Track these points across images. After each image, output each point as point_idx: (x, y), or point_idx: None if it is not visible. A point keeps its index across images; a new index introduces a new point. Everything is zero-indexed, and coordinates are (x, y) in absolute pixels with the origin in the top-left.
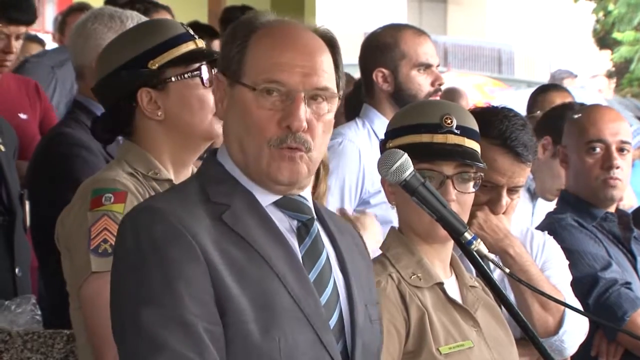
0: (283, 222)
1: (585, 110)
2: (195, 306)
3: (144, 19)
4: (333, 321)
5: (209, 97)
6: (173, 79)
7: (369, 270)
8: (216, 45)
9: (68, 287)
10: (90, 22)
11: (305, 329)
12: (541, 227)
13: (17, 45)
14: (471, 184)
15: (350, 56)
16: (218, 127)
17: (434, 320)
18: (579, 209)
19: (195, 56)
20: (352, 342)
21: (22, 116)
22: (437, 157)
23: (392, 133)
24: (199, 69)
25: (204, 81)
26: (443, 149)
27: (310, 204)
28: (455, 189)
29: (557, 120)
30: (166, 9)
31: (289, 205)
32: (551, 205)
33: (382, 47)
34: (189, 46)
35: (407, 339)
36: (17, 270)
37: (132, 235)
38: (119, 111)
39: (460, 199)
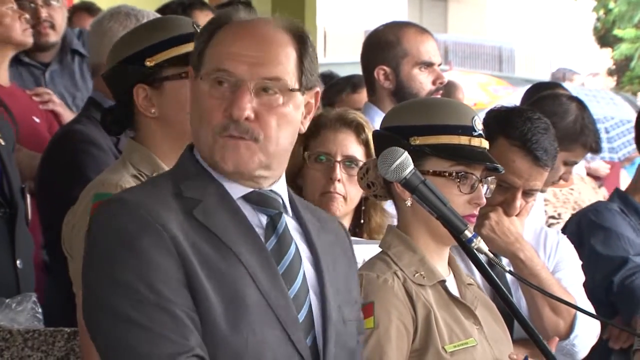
0: (252, 217)
1: None
2: (170, 293)
3: (158, 16)
4: (302, 315)
5: None
6: (169, 78)
7: (351, 271)
8: None
9: (74, 288)
10: (107, 21)
11: (274, 324)
12: (586, 209)
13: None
14: (488, 188)
15: (351, 54)
16: None
17: (438, 318)
18: (627, 204)
19: (189, 58)
20: (324, 337)
21: (36, 119)
22: (474, 160)
23: (420, 129)
24: (182, 70)
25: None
26: (478, 152)
27: (281, 199)
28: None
29: (547, 115)
30: (213, 11)
31: (257, 199)
32: (539, 197)
33: (384, 44)
34: (189, 47)
35: (414, 337)
36: (18, 262)
37: (102, 227)
38: (122, 105)
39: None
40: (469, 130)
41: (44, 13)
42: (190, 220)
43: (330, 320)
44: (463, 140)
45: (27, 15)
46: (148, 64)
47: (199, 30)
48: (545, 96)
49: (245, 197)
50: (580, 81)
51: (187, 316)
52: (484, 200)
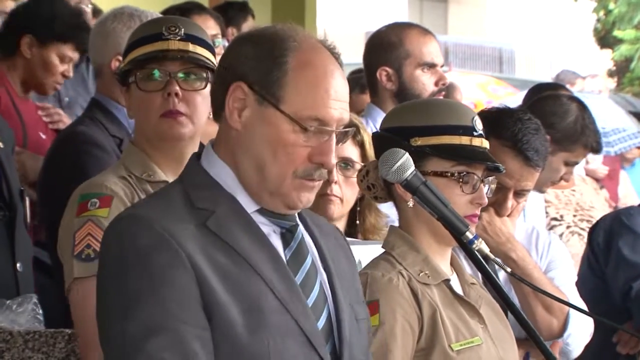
0: (266, 228)
1: None
2: (182, 313)
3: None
4: (321, 323)
5: (150, 100)
6: (131, 80)
7: (354, 271)
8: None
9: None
10: (110, 21)
11: (295, 331)
12: (619, 211)
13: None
14: (489, 188)
15: (351, 56)
16: (167, 128)
17: (444, 317)
18: None
19: (142, 59)
20: (340, 342)
21: (42, 136)
22: (475, 160)
23: (421, 130)
24: (134, 72)
25: (138, 85)
26: (479, 151)
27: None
28: None
29: (547, 116)
30: (212, 15)
31: (272, 213)
32: (540, 198)
33: (386, 45)
34: (146, 49)
35: (420, 336)
36: (18, 265)
37: (116, 244)
38: None
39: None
40: (469, 131)
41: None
42: (203, 231)
43: (344, 324)
44: (464, 140)
45: (70, 74)
46: (121, 66)
47: (166, 30)
48: (546, 97)
49: (260, 211)
50: (582, 84)
51: (197, 338)
52: (486, 200)
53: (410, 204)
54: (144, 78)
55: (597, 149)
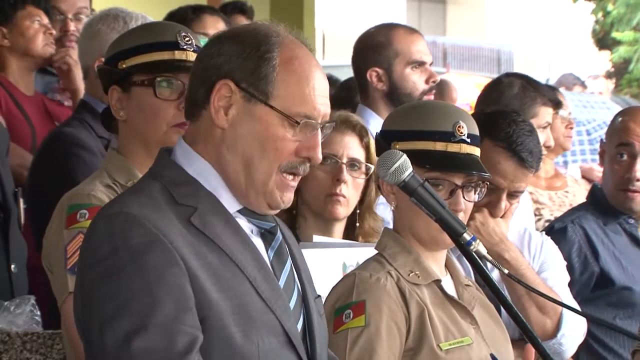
0: (246, 227)
1: (626, 112)
2: (178, 313)
3: (149, 19)
4: (299, 324)
5: (165, 109)
6: (136, 83)
7: (306, 265)
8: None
9: (58, 304)
10: (95, 23)
11: (277, 331)
12: (553, 229)
13: (74, 26)
14: (477, 192)
15: (349, 58)
16: (175, 138)
17: (433, 317)
18: (603, 206)
19: (159, 66)
20: (311, 342)
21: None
22: (450, 167)
23: (400, 134)
24: (154, 78)
25: (156, 92)
26: (456, 158)
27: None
28: (464, 197)
29: (496, 98)
30: (222, 17)
31: (252, 213)
32: (527, 199)
33: (375, 46)
34: (163, 55)
35: (407, 336)
36: (12, 267)
37: (107, 241)
38: (109, 106)
39: (466, 207)
40: (447, 136)
41: (72, 27)
42: (189, 228)
43: (314, 323)
44: (439, 146)
45: (53, 31)
46: (120, 66)
47: (181, 40)
48: (485, 89)
49: (240, 211)
50: (581, 89)
51: (191, 337)
52: (462, 207)
53: (392, 206)
54: (160, 85)
55: (557, 101)
